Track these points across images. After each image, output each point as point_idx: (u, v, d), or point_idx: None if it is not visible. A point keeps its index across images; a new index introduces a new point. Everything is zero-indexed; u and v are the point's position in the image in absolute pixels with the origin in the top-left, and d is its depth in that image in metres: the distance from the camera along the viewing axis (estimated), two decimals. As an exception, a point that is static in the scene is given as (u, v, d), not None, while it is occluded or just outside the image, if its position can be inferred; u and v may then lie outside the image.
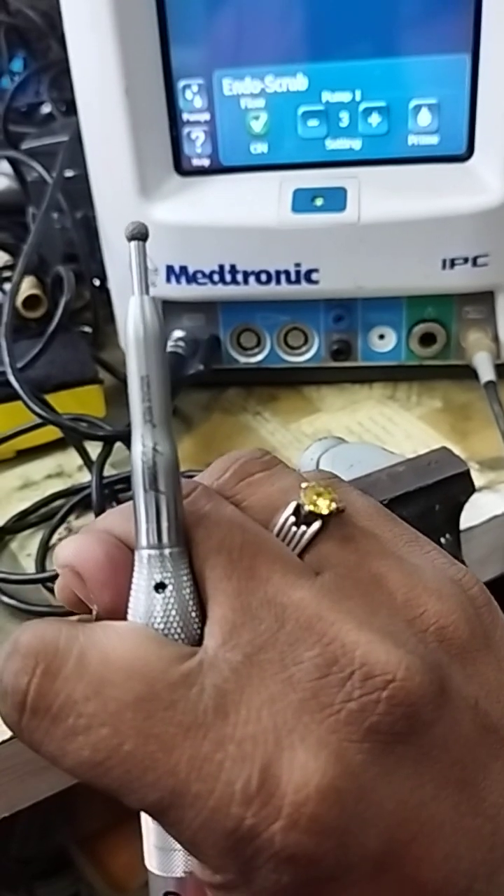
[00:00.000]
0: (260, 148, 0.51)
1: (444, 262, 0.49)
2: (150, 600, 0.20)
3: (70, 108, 0.71)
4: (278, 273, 0.50)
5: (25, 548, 0.46)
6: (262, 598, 0.20)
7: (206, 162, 0.51)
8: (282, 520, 0.21)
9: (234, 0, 0.48)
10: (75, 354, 0.53)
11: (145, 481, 0.20)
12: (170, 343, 0.54)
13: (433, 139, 0.49)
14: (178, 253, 0.51)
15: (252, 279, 0.51)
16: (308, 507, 0.21)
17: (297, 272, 0.50)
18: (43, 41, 0.81)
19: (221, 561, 0.20)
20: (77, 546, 0.21)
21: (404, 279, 0.50)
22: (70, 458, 0.51)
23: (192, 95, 0.50)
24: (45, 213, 0.52)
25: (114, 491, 0.47)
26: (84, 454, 0.48)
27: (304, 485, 0.22)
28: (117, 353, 0.60)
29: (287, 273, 0.50)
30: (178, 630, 0.20)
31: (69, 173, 0.57)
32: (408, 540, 0.22)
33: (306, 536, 0.21)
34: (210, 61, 0.49)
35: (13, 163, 0.60)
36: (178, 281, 0.52)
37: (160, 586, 0.20)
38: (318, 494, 0.21)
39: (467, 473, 0.38)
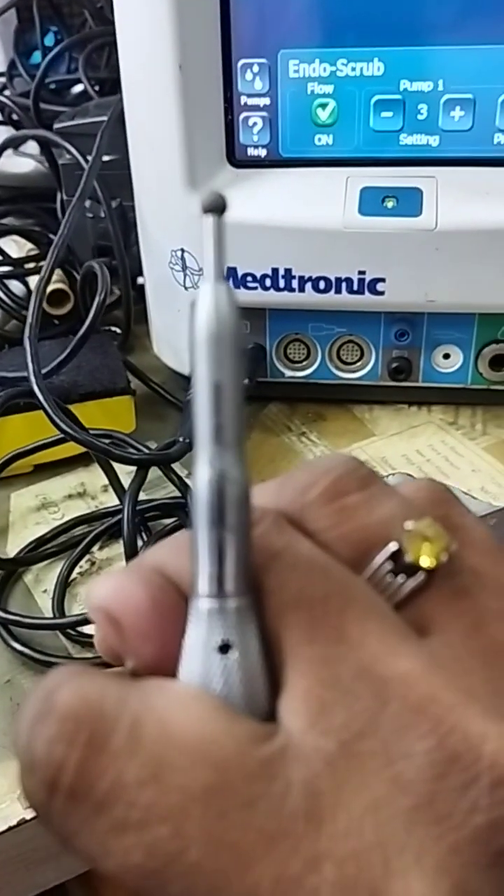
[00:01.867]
0: (325, 139, 0.45)
1: (527, 277, 0.43)
2: (208, 662, 0.16)
3: (107, 87, 0.66)
4: (339, 281, 0.45)
5: (42, 582, 0.40)
6: (355, 667, 0.16)
7: (263, 153, 0.46)
8: (377, 564, 0.17)
9: (307, -30, 0.42)
10: (105, 360, 0.48)
11: (211, 516, 0.16)
12: (211, 352, 0.48)
13: (522, 139, 0.44)
14: (228, 253, 0.45)
15: (308, 286, 0.45)
16: (411, 557, 0.17)
17: (361, 281, 0.45)
18: (78, 14, 0.76)
19: (301, 618, 0.16)
20: (115, 586, 0.17)
21: (481, 294, 0.44)
22: (94, 476, 0.46)
23: (252, 76, 0.44)
24: (78, 202, 0.47)
25: (144, 519, 0.42)
26: (112, 476, 0.42)
27: (408, 525, 0.17)
28: (148, 357, 0.54)
29: (349, 281, 0.45)
30: (243, 702, 0.16)
31: (106, 158, 0.51)
32: None
33: (406, 590, 0.17)
34: (275, 39, 0.43)
35: (43, 144, 0.55)
36: (224, 284, 0.46)
37: (224, 647, 0.16)
38: (426, 539, 0.17)
39: None
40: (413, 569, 0.17)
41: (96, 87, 0.65)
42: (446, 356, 0.48)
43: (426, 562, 0.17)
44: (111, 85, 0.66)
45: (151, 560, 0.18)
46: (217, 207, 0.16)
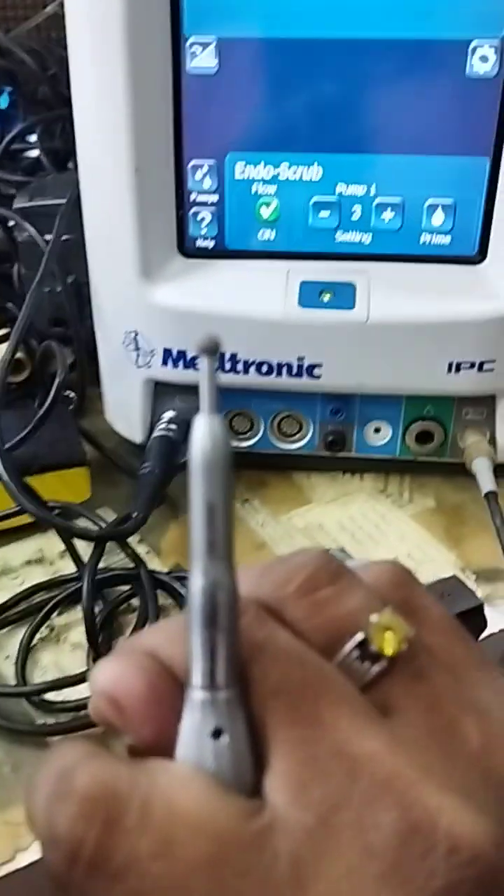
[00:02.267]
0: (268, 235, 0.49)
1: (450, 365, 0.48)
2: (202, 745, 0.18)
3: (62, 160, 0.69)
4: (280, 365, 0.49)
5: (4, 648, 0.43)
6: (329, 748, 0.18)
7: (210, 244, 0.50)
8: (346, 651, 0.20)
9: (253, 84, 0.46)
10: (62, 432, 0.51)
11: (205, 619, 0.18)
12: (160, 425, 0.52)
13: (445, 239, 0.48)
14: (177, 337, 0.49)
15: (252, 369, 0.49)
16: (375, 647, 0.19)
17: (300, 366, 0.49)
18: (32, 81, 0.78)
19: (282, 705, 0.18)
20: (116, 673, 0.19)
21: (408, 380, 0.49)
22: (51, 543, 0.49)
23: (201, 176, 0.48)
24: (38, 286, 0.50)
25: (100, 586, 0.45)
26: (70, 546, 0.45)
27: (373, 618, 0.20)
28: (99, 421, 0.57)
29: (289, 366, 0.49)
30: (232, 779, 0.18)
31: (63, 237, 0.54)
32: (477, 664, 0.21)
33: (371, 674, 0.19)
34: (224, 143, 0.47)
35: (1, 219, 0.57)
36: (174, 365, 0.50)
37: (216, 733, 0.18)
38: (388, 628, 0.19)
39: (481, 608, 0.37)
40: (377, 656, 0.19)
41: (52, 158, 0.68)
42: (377, 430, 0.52)
43: (388, 651, 0.19)
44: (64, 155, 0.69)
45: (146, 645, 0.20)
46: (211, 349, 0.18)
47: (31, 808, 0.18)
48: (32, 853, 0.35)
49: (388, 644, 0.19)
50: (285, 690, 0.19)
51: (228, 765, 0.18)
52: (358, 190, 0.48)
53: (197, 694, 0.19)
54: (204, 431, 0.18)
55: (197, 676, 0.19)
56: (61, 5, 0.84)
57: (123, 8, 0.43)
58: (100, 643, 0.42)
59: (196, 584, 0.19)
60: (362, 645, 0.19)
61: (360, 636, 0.19)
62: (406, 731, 0.19)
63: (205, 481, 0.18)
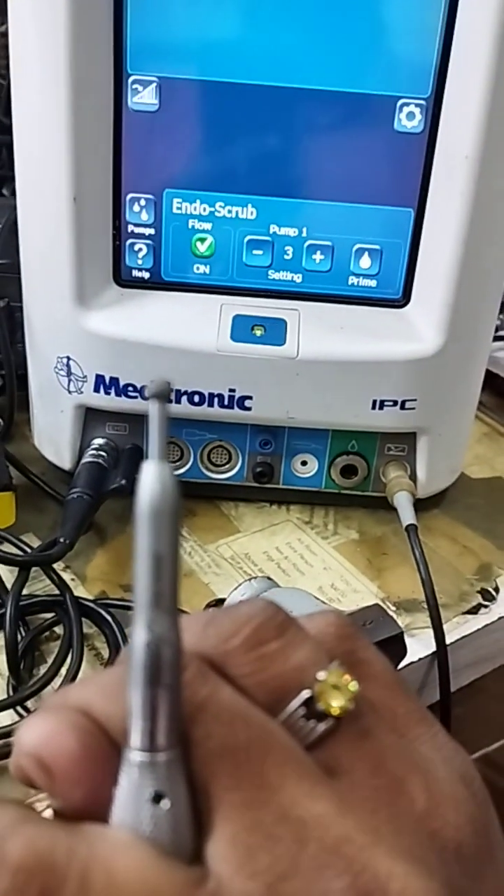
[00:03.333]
0: (202, 269, 0.50)
1: (374, 402, 0.50)
2: (140, 810, 0.17)
3: (3, 185, 0.69)
4: (212, 396, 0.50)
5: None
6: (276, 811, 0.17)
7: (146, 275, 0.51)
8: (291, 709, 0.19)
9: (192, 124, 0.48)
10: (-12, 455, 0.50)
11: (147, 676, 0.17)
12: (90, 451, 0.52)
13: (372, 282, 0.50)
14: (110, 364, 0.50)
15: (184, 399, 0.50)
16: (322, 706, 0.19)
17: (231, 397, 0.50)
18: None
19: (225, 767, 0.18)
20: (46, 732, 0.18)
21: (335, 415, 0.51)
22: (-27, 568, 0.48)
23: (139, 209, 0.49)
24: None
25: (22, 614, 0.44)
26: (-6, 571, 0.45)
27: (320, 675, 0.19)
28: (27, 447, 0.57)
29: (220, 397, 0.50)
30: (170, 845, 0.17)
31: (-4, 261, 0.54)
32: (419, 718, 0.21)
33: (317, 733, 0.19)
34: (162, 179, 0.49)
35: None
36: (106, 391, 0.50)
37: (157, 797, 0.17)
38: (335, 686, 0.19)
39: (401, 636, 0.38)
40: (323, 715, 0.19)
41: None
42: (304, 463, 0.54)
43: (335, 710, 0.18)
44: (1, 182, 0.69)
45: (77, 701, 0.18)
46: (162, 394, 0.18)
47: None
48: None
49: (335, 703, 0.19)
50: (229, 751, 0.18)
51: (169, 831, 0.17)
52: (290, 231, 0.50)
53: (135, 756, 0.17)
54: (153, 478, 0.17)
55: (136, 737, 0.17)
56: (1, 34, 0.85)
57: (68, 41, 0.43)
58: (21, 671, 0.42)
59: (139, 639, 0.18)
60: (308, 703, 0.19)
61: (306, 694, 0.19)
62: (353, 793, 0.18)
63: (152, 530, 0.17)
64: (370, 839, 0.17)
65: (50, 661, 0.43)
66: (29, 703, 0.40)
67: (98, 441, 0.52)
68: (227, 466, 0.54)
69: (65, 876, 0.16)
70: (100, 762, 0.18)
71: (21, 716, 0.39)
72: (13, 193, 0.50)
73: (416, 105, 0.46)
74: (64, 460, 0.53)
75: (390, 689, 0.21)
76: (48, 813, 0.20)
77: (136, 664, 0.18)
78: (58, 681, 0.41)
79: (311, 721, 0.19)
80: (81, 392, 0.51)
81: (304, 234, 0.50)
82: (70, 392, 0.51)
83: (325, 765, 0.18)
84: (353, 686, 0.19)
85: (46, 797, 0.19)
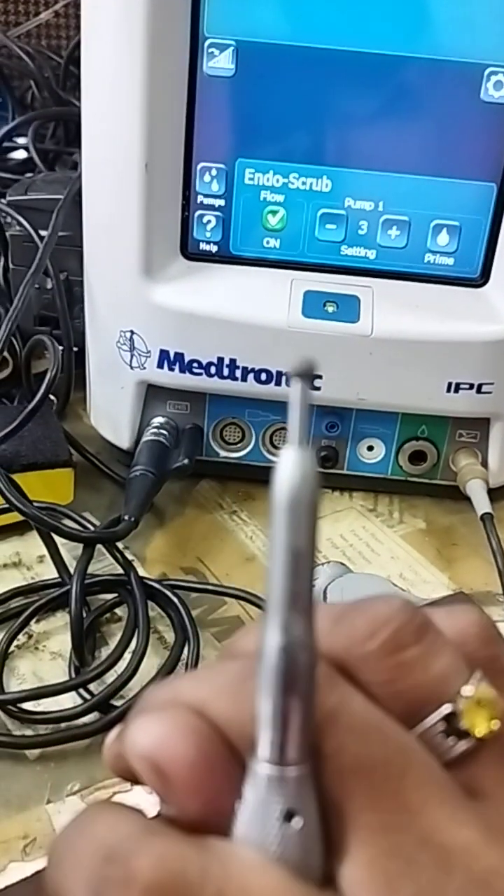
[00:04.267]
0: (273, 243, 0.49)
1: (449, 385, 0.48)
2: (267, 827, 0.16)
3: (52, 161, 0.68)
4: (279, 374, 0.48)
5: (-20, 654, 0.40)
6: (417, 836, 0.16)
7: (214, 248, 0.49)
8: (429, 723, 0.17)
9: (268, 91, 0.46)
10: (46, 431, 0.49)
11: (281, 683, 0.16)
12: (151, 430, 0.50)
13: (449, 260, 0.48)
14: (176, 339, 0.48)
15: (251, 376, 0.48)
16: (465, 724, 0.17)
17: (300, 376, 0.48)
18: (19, 77, 0.77)
19: (362, 785, 0.16)
20: (160, 734, 0.16)
21: (407, 397, 0.49)
22: (30, 546, 0.47)
23: (210, 179, 0.47)
24: (31, 279, 0.48)
25: (84, 595, 0.42)
26: (53, 549, 0.43)
27: (465, 690, 0.17)
28: (82, 426, 0.55)
29: (289, 375, 0.48)
30: (301, 868, 0.16)
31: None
32: None
33: (456, 752, 0.17)
34: (234, 148, 0.47)
35: (-7, 211, 0.56)
36: (170, 367, 0.48)
37: (288, 815, 0.16)
38: (479, 705, 0.17)
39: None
40: (465, 733, 0.17)
41: (43, 157, 0.67)
42: (370, 448, 0.52)
43: (480, 731, 0.17)
44: (55, 156, 0.68)
45: (192, 700, 0.17)
46: (306, 373, 0.16)
47: (65, 891, 0.16)
48: (9, 874, 0.32)
49: (481, 723, 0.17)
50: (365, 768, 0.16)
51: (299, 851, 0.16)
52: (366, 205, 0.48)
53: (264, 768, 0.16)
54: (293, 465, 0.16)
55: (265, 749, 0.16)
56: (55, 14, 0.84)
57: (146, 3, 0.42)
58: (84, 653, 0.40)
59: (272, 641, 0.16)
60: (449, 718, 0.17)
61: (446, 708, 0.17)
62: (498, 819, 0.16)
63: (290, 523, 0.16)
64: None
65: (112, 643, 0.41)
66: (92, 686, 0.38)
67: (158, 420, 0.51)
68: (289, 450, 0.52)
69: None
70: (219, 771, 0.16)
71: (84, 699, 0.38)
72: (72, 168, 0.48)
73: (506, 73, 0.44)
74: (122, 439, 0.52)
75: None
76: (119, 797, 0.19)
77: (269, 669, 0.16)
78: (122, 664, 0.39)
79: (450, 738, 0.17)
80: (144, 368, 0.49)
81: (381, 209, 0.48)
82: (132, 368, 0.49)
83: (465, 786, 0.17)
84: (500, 704, 0.17)
85: (155, 801, 0.17)
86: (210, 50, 0.45)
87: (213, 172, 0.47)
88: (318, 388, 0.47)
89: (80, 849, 0.16)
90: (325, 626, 0.18)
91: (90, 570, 0.44)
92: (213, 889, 0.15)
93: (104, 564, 0.45)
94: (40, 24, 0.87)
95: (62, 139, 0.69)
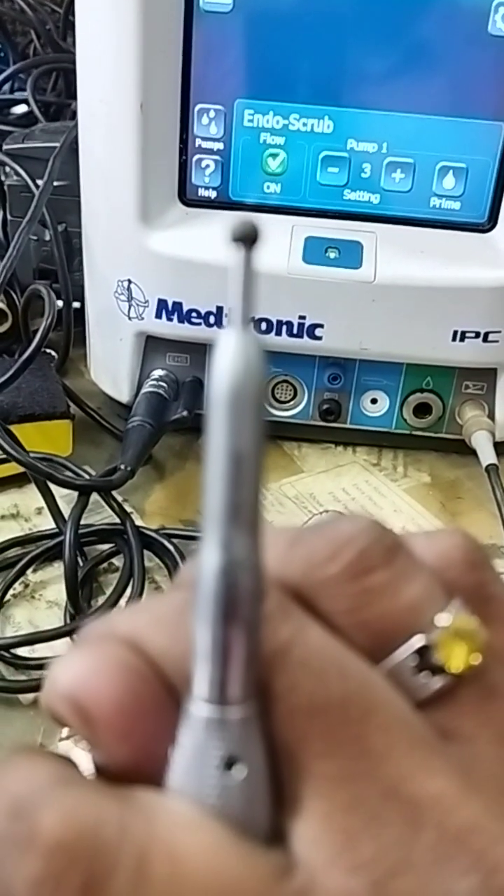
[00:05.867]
0: (274, 188, 0.47)
1: (454, 333, 0.47)
2: (204, 777, 0.14)
3: (51, 111, 0.67)
4: (280, 323, 0.47)
5: (-25, 602, 0.40)
6: (382, 786, 0.14)
7: (213, 194, 0.48)
8: (398, 658, 0.15)
9: (267, 27, 0.44)
10: (44, 383, 0.48)
11: (220, 610, 0.14)
12: (150, 382, 0.49)
13: (455, 204, 0.47)
14: (173, 288, 0.47)
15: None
16: (441, 659, 0.15)
17: (301, 325, 0.47)
18: (23, 33, 0.76)
19: (317, 728, 0.14)
20: (85, 670, 0.14)
21: (412, 346, 0.47)
22: (27, 498, 0.46)
23: (208, 121, 0.46)
24: (27, 227, 0.47)
25: (80, 544, 0.42)
26: (50, 499, 0.42)
27: (440, 619, 0.15)
28: (82, 381, 0.55)
29: (290, 325, 0.47)
30: (242, 822, 0.14)
31: (55, 183, 0.52)
32: None
33: (429, 691, 0.15)
34: (233, 88, 0.45)
35: (-10, 162, 0.55)
36: (168, 318, 0.48)
37: (229, 762, 0.14)
38: (458, 636, 0.15)
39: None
40: (439, 669, 0.15)
41: (43, 109, 0.66)
42: (374, 401, 0.51)
43: (456, 666, 0.15)
44: (56, 109, 0.67)
45: (126, 632, 0.15)
46: (248, 237, 0.14)
47: None
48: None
49: (457, 657, 0.15)
50: (321, 708, 0.14)
51: (241, 804, 0.14)
52: (369, 147, 0.46)
53: (202, 709, 0.14)
54: (234, 352, 0.13)
55: (203, 686, 0.14)
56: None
57: None
58: (79, 600, 0.39)
59: (210, 562, 0.14)
60: (421, 651, 0.15)
61: (419, 640, 0.15)
62: (479, 767, 0.14)
63: (232, 420, 0.13)
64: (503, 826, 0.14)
65: (108, 592, 0.40)
66: (86, 634, 0.38)
67: (158, 372, 0.50)
68: (291, 403, 0.51)
69: (116, 860, 0.13)
70: (152, 712, 0.14)
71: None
72: (73, 118, 0.47)
73: (514, 4, 0.42)
74: (122, 392, 0.51)
75: None
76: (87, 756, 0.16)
77: (206, 594, 0.14)
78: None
79: (423, 674, 0.15)
80: (142, 318, 0.48)
81: (384, 151, 0.46)
82: (130, 318, 0.48)
83: (441, 729, 0.15)
84: (482, 636, 0.15)
85: (83, 743, 0.15)
86: (207, -16, 0.43)
87: (211, 114, 0.46)
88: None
89: None
90: (280, 548, 0.15)
91: (88, 521, 0.44)
92: (133, 850, 0.13)
93: (103, 517, 0.45)
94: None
95: (63, 91, 0.68)
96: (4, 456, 0.42)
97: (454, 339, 0.47)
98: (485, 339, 0.47)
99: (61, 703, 0.14)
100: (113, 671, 0.14)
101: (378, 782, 0.14)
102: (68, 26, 0.71)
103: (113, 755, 0.14)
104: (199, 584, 0.14)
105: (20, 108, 0.70)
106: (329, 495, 0.49)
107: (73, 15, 0.60)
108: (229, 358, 0.13)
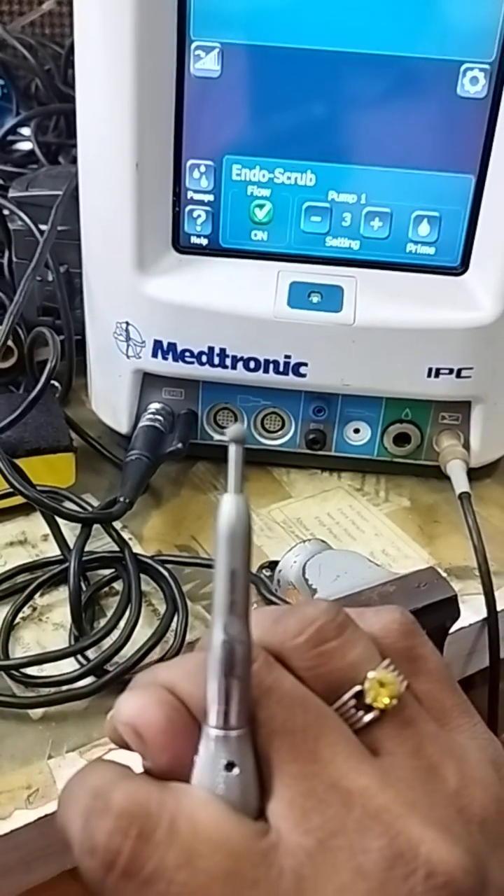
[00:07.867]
0: (260, 235, 0.51)
1: (429, 370, 0.50)
2: (215, 774, 0.21)
3: (55, 154, 0.70)
4: (267, 362, 0.50)
5: (-13, 625, 0.44)
6: (327, 781, 0.21)
7: (205, 242, 0.51)
8: (343, 700, 0.22)
9: (252, 90, 0.48)
10: (48, 417, 0.52)
11: (224, 668, 0.21)
12: (147, 415, 0.53)
13: (430, 250, 0.50)
14: (168, 330, 0.50)
15: (240, 365, 0.51)
16: (369, 700, 0.22)
17: (287, 364, 0.50)
18: (27, 76, 0.79)
19: (286, 744, 0.21)
20: (138, 706, 0.22)
21: (390, 382, 0.51)
22: (34, 526, 0.50)
23: (199, 175, 0.50)
24: (32, 273, 0.51)
25: (84, 570, 0.45)
26: (55, 529, 0.46)
27: (371, 673, 0.22)
28: (84, 410, 0.58)
29: (276, 363, 0.50)
30: (239, 804, 0.21)
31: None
32: (462, 711, 0.24)
33: (365, 721, 0.22)
34: (222, 145, 0.49)
35: (-4, 206, 0.58)
36: (164, 357, 0.51)
37: (229, 766, 0.21)
38: (383, 684, 0.22)
39: (455, 599, 0.39)
40: (370, 707, 0.22)
41: (45, 150, 0.69)
42: (356, 431, 0.54)
43: (380, 704, 0.22)
44: (57, 148, 0.70)
45: (165, 680, 0.23)
46: (239, 438, 0.21)
47: (67, 820, 0.21)
48: (15, 820, 0.36)
49: (380, 699, 0.22)
50: (289, 730, 0.21)
51: (238, 792, 0.21)
52: (349, 198, 0.50)
53: (212, 731, 0.21)
54: (230, 509, 0.21)
55: (213, 717, 0.21)
56: (57, 2, 0.86)
57: (133, 7, 0.44)
58: (83, 623, 0.43)
59: (217, 638, 0.21)
60: (358, 695, 0.22)
61: (356, 688, 0.22)
62: (393, 771, 0.21)
63: (228, 550, 0.21)
64: (406, 810, 0.21)
65: (109, 614, 0.44)
66: (89, 653, 0.41)
67: (155, 405, 0.53)
68: (280, 433, 0.54)
69: (157, 822, 0.20)
70: (182, 733, 0.22)
71: (82, 664, 0.41)
72: (73, 161, 0.51)
73: (481, 70, 0.46)
74: (121, 424, 0.54)
75: (441, 683, 0.24)
76: (111, 755, 0.24)
77: (214, 659, 0.21)
78: (116, 633, 0.42)
79: (360, 711, 0.22)
80: (139, 357, 0.52)
81: (363, 201, 0.50)
82: (128, 357, 0.52)
83: (370, 747, 0.22)
84: (398, 685, 0.22)
85: (139, 759, 0.22)
86: (196, 52, 0.47)
87: (202, 169, 0.50)
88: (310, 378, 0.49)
89: (77, 791, 0.21)
90: (267, 624, 0.23)
91: (91, 547, 0.47)
92: (168, 815, 0.20)
93: (104, 543, 0.48)
94: (43, 13, 0.89)
95: (64, 131, 0.71)
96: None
97: (429, 375, 0.50)
98: (458, 375, 0.50)
99: (123, 727, 0.22)
100: (157, 707, 0.22)
101: (324, 779, 0.21)
102: (70, 65, 0.75)
103: (156, 761, 0.22)
104: (210, 652, 0.21)
105: (24, 146, 0.74)
106: (315, 520, 0.53)
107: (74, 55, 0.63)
108: (227, 512, 0.21)
